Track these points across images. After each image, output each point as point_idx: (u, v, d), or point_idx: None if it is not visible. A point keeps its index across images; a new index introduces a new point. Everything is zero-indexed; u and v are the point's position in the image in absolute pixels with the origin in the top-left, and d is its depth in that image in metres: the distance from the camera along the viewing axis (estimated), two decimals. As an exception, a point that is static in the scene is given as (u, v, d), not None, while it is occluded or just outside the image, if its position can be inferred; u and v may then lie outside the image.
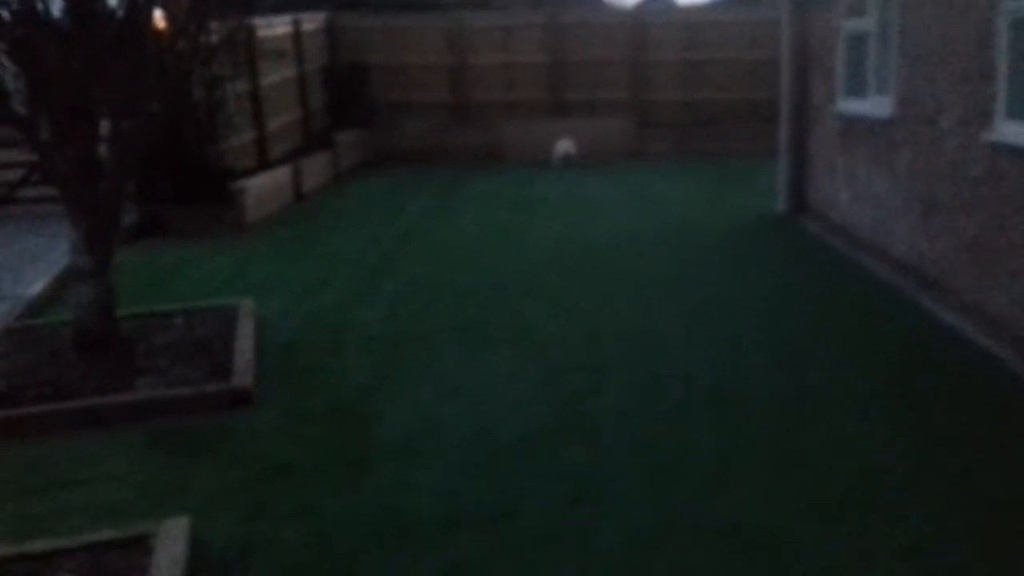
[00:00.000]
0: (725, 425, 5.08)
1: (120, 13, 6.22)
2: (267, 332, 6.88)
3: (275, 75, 13.30)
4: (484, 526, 4.10)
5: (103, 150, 6.45)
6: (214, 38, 7.43)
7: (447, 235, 10.49)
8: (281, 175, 12.68)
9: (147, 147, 10.03)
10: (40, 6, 5.92)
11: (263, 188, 11.84)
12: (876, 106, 8.28)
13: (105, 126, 6.53)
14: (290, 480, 4.61)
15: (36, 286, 7.91)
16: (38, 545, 3.64)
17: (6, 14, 5.86)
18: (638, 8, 21.99)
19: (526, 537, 4.01)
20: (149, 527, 3.76)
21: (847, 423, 5.05)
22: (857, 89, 8.90)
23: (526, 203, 11.98)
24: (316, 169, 13.94)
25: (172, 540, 3.68)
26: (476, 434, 5.08)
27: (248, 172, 11.88)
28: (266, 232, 10.94)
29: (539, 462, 4.73)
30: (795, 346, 6.32)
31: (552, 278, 8.38)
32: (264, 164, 12.63)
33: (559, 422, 5.21)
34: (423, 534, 4.04)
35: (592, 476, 4.55)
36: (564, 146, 15.30)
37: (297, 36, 14.51)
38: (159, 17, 7.52)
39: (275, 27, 13.50)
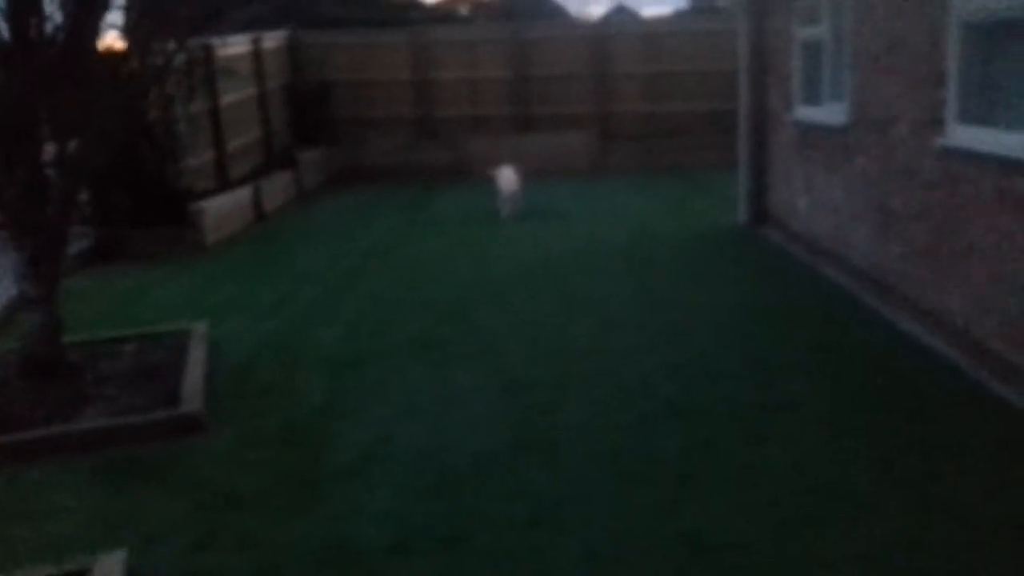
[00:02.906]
0: (686, 438, 5.02)
1: (62, 35, 6.09)
2: (223, 355, 6.76)
3: (235, 94, 13.18)
4: (436, 551, 4.00)
5: (50, 173, 6.32)
6: (169, 58, 7.32)
7: (410, 252, 10.40)
8: (242, 195, 12.54)
9: (103, 168, 9.95)
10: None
11: (223, 209, 11.70)
12: (831, 113, 8.31)
13: (52, 149, 6.40)
14: (237, 509, 4.48)
15: (-17, 315, 7.73)
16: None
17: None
18: (601, 21, 22.17)
19: (479, 560, 3.91)
20: (86, 561, 3.62)
21: (807, 434, 5.00)
22: (813, 97, 8.94)
23: (489, 219, 11.91)
24: (278, 188, 13.82)
25: (109, 574, 3.55)
26: (431, 454, 4.97)
27: (208, 193, 11.73)
28: (226, 253, 10.80)
29: (495, 481, 4.63)
30: (756, 357, 6.28)
31: (514, 293, 8.32)
32: (224, 184, 12.49)
33: (518, 439, 5.12)
34: (372, 561, 3.93)
35: (550, 493, 4.46)
36: (508, 183, 11.88)
37: (257, 54, 14.40)
38: (114, 37, 7.41)
39: (234, 45, 13.39)
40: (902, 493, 4.30)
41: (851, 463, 4.62)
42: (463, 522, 4.22)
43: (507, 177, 11.98)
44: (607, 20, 22.71)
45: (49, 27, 6.05)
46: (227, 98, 12.84)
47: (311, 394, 6.02)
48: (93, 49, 6.48)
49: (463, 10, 26.07)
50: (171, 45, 7.26)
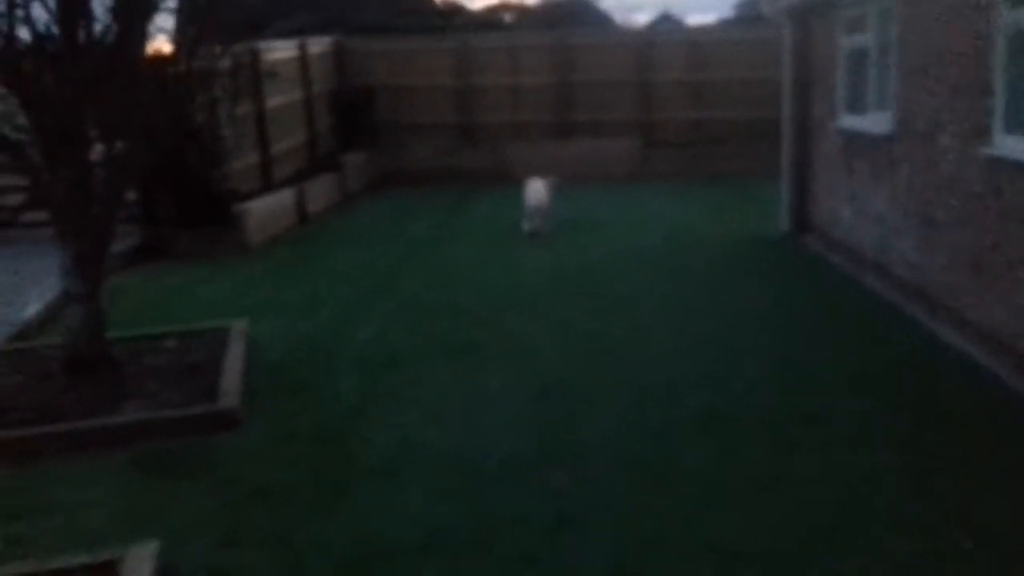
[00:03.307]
0: (716, 446, 4.98)
1: (110, 38, 6.24)
2: (261, 353, 6.85)
3: (280, 97, 13.37)
4: (462, 553, 4.01)
5: (98, 173, 6.46)
6: (215, 62, 7.46)
7: (447, 256, 10.45)
8: (285, 197, 12.70)
9: (149, 169, 10.16)
10: (33, 32, 5.96)
11: (266, 210, 11.86)
12: (876, 122, 8.18)
13: (99, 150, 6.55)
14: (268, 505, 4.54)
15: (30, 310, 7.92)
16: (4, 571, 3.58)
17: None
18: (646, 29, 22.08)
19: (505, 563, 3.91)
20: (118, 552, 3.69)
21: (840, 445, 4.93)
22: (857, 105, 8.81)
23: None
24: (321, 191, 13.96)
25: (139, 566, 3.61)
26: (460, 457, 4.99)
27: (252, 194, 11.91)
28: (268, 254, 10.95)
29: (523, 485, 4.63)
30: (792, 366, 6.21)
31: (550, 298, 8.32)
32: (268, 186, 12.66)
33: (547, 444, 5.12)
34: (399, 562, 3.95)
35: (577, 499, 4.45)
36: (534, 196, 10.91)
37: (303, 59, 14.59)
38: (162, 40, 7.57)
39: (281, 50, 13.59)
40: (933, 507, 4.22)
41: (882, 475, 4.54)
42: (490, 524, 4.23)
43: (534, 190, 11.01)
44: (652, 28, 22.61)
45: (98, 29, 6.20)
46: (273, 101, 13.03)
47: (345, 394, 6.07)
48: (141, 53, 6.63)
49: (507, 17, 26.19)
50: (217, 50, 7.42)
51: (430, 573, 3.87)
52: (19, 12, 5.88)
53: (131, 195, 10.61)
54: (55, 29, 6.03)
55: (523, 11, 26.71)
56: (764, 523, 4.15)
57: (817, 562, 3.82)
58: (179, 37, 6.93)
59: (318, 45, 15.50)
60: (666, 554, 3.93)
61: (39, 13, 5.96)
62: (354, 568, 3.92)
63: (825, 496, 4.38)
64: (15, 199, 10.61)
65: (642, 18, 45.74)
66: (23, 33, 5.95)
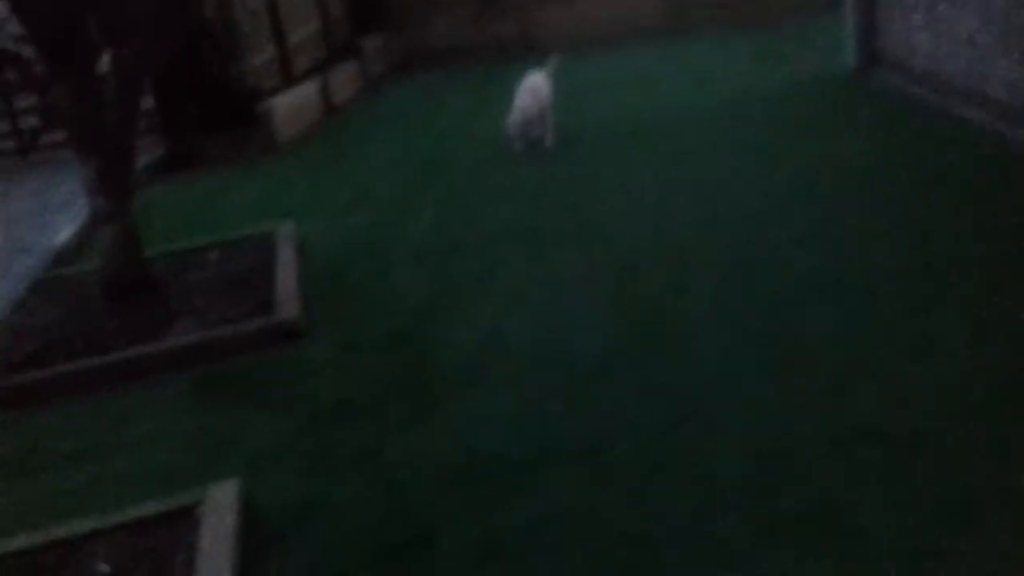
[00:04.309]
0: (839, 313, 4.38)
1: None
2: (311, 256, 6.35)
3: (289, -17, 12.44)
4: (575, 462, 3.52)
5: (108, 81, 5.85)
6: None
7: (487, 133, 9.72)
8: (309, 90, 11.97)
9: (166, 74, 9.49)
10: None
11: (292, 105, 11.17)
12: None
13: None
14: (348, 423, 4.09)
15: (62, 235, 7.45)
16: (66, 528, 3.18)
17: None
18: None
19: (627, 472, 3.42)
20: (195, 496, 3.28)
21: (986, 298, 4.31)
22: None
23: (563, 89, 11.08)
24: (344, 80, 13.17)
25: (220, 509, 3.20)
26: (550, 352, 4.47)
27: (274, 91, 11.20)
28: (298, 151, 10.34)
29: (627, 380, 4.09)
30: (904, 216, 5.51)
31: (604, 168, 7.64)
32: (289, 80, 11.92)
33: (644, 330, 4.56)
34: (504, 478, 3.48)
35: (692, 391, 3.92)
36: (528, 100, 8.11)
37: (308, -63, 13.54)
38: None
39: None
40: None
41: (1039, 330, 3.96)
42: (599, 428, 3.73)
43: (530, 90, 8.18)
44: None
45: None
46: (282, -12, 12.12)
47: (409, 292, 5.56)
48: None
49: None
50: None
51: (546, 489, 3.40)
52: None
53: (149, 104, 10.02)
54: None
55: None
56: (916, 396, 3.61)
57: (987, 437, 3.29)
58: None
59: (321, -80, 14.37)
60: (809, 443, 3.43)
61: None
62: (458, 488, 3.47)
63: (981, 358, 3.80)
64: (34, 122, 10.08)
65: None
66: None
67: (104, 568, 3.02)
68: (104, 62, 5.83)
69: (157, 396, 4.67)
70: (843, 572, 2.82)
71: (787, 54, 11.27)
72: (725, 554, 2.95)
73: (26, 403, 4.74)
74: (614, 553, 3.04)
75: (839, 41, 9.91)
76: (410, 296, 5.50)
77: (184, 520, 3.18)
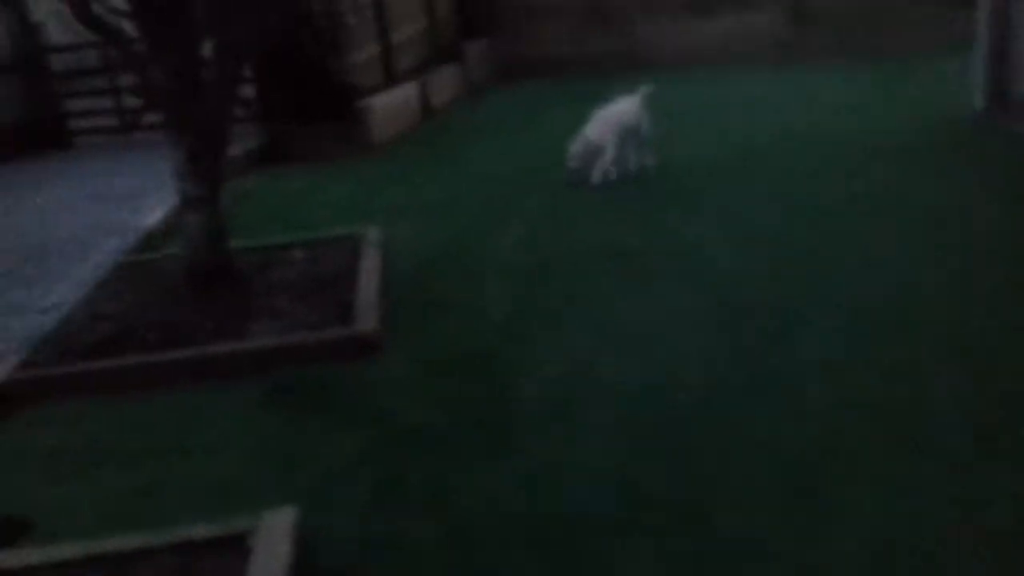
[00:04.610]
0: (970, 386, 3.89)
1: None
2: (396, 262, 6.10)
3: (398, -19, 12.35)
4: (671, 528, 3.11)
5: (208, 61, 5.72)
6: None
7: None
8: (409, 90, 11.85)
9: (266, 64, 9.44)
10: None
11: (390, 105, 11.05)
12: None
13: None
14: (420, 452, 3.77)
15: (152, 217, 7.39)
16: (114, 543, 2.95)
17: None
18: None
19: (725, 552, 3.00)
20: (248, 522, 3.01)
21: None
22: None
23: (671, 111, 10.67)
24: (444, 83, 13.04)
25: (274, 539, 2.92)
26: (645, 392, 4.08)
27: (374, 88, 11.08)
28: (394, 152, 10.19)
29: (733, 434, 3.67)
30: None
31: (713, 194, 7.22)
32: (390, 79, 11.80)
33: (751, 375, 4.13)
34: (583, 543, 3.07)
35: (807, 454, 3.46)
36: (599, 130, 7.56)
37: (421, -61, 13.46)
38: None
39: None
40: None
41: None
42: (697, 492, 3.32)
43: (603, 120, 7.62)
44: None
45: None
46: (391, -14, 12.03)
47: (494, 310, 5.25)
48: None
49: None
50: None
51: (637, 555, 3.01)
52: None
53: (248, 93, 10.00)
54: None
55: None
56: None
57: None
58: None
59: (436, -78, 14.29)
60: (933, 536, 2.98)
61: None
62: (529, 551, 3.09)
63: None
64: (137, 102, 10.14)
65: None
66: None
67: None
68: (206, 47, 5.70)
69: (226, 400, 4.45)
70: None
71: (906, 92, 10.67)
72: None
73: (91, 392, 4.59)
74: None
75: (966, 81, 9.28)
76: (495, 314, 5.19)
77: (235, 547, 2.92)
